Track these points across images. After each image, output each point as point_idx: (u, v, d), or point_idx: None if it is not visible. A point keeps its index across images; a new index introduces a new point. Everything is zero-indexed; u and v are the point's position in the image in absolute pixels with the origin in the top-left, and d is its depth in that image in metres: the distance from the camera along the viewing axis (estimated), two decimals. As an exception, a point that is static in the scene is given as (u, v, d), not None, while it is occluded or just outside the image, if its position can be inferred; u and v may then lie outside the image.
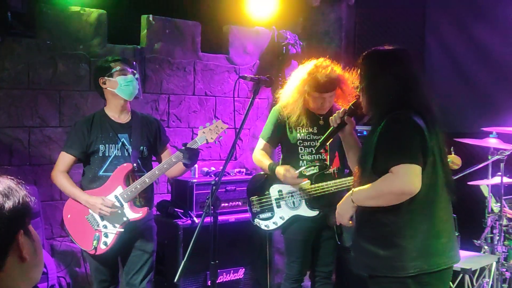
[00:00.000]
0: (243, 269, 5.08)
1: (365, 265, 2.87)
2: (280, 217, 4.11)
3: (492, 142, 4.80)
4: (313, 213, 4.03)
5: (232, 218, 4.99)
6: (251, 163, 4.93)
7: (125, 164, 3.85)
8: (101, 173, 3.88)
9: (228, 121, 5.89)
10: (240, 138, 5.85)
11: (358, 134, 4.77)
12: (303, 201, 4.04)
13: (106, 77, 3.85)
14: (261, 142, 4.24)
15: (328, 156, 4.11)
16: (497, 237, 4.71)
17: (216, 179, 3.25)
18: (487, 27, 5.50)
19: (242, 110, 5.95)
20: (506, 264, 4.65)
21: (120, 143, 3.89)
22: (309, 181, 4.01)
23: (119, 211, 3.81)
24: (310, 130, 4.11)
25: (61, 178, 3.88)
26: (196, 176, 5.29)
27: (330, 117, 3.10)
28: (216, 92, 5.85)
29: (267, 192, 4.15)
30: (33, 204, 1.50)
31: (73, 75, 4.96)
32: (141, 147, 3.93)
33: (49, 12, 4.82)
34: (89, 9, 5.01)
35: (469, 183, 4.96)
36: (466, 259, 4.48)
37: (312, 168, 4.02)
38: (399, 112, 2.72)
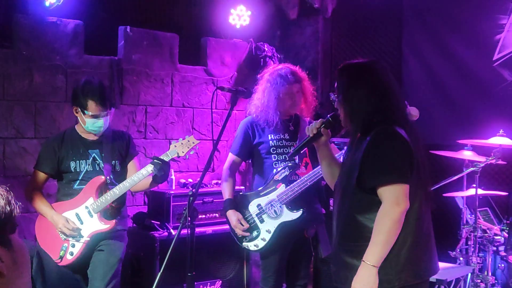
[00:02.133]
0: (220, 281, 5.05)
1: (347, 279, 2.82)
2: (267, 231, 4.07)
3: (467, 154, 4.86)
4: (297, 214, 4.02)
5: (209, 230, 4.96)
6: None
7: (98, 177, 3.84)
8: (75, 187, 3.87)
9: (206, 133, 5.88)
10: (217, 149, 5.85)
11: (338, 147, 4.79)
12: (284, 206, 4.04)
13: (79, 109, 3.83)
14: (230, 157, 4.24)
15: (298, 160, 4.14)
16: (472, 249, 4.75)
17: (193, 190, 3.24)
18: (463, 41, 5.57)
19: (220, 122, 5.95)
20: (481, 276, 4.69)
21: (91, 158, 3.88)
22: (283, 184, 4.03)
23: (85, 225, 3.80)
24: (282, 136, 4.14)
25: (32, 196, 3.89)
26: (173, 187, 5.27)
27: (307, 127, 3.11)
28: (194, 103, 5.85)
29: (246, 211, 4.13)
30: (16, 213, 1.47)
31: (49, 86, 4.92)
32: (113, 161, 3.93)
33: (25, 22, 4.78)
34: (66, 20, 4.98)
35: (444, 194, 5.01)
36: (441, 270, 4.44)
37: (283, 171, 4.04)
38: (384, 127, 2.72)
